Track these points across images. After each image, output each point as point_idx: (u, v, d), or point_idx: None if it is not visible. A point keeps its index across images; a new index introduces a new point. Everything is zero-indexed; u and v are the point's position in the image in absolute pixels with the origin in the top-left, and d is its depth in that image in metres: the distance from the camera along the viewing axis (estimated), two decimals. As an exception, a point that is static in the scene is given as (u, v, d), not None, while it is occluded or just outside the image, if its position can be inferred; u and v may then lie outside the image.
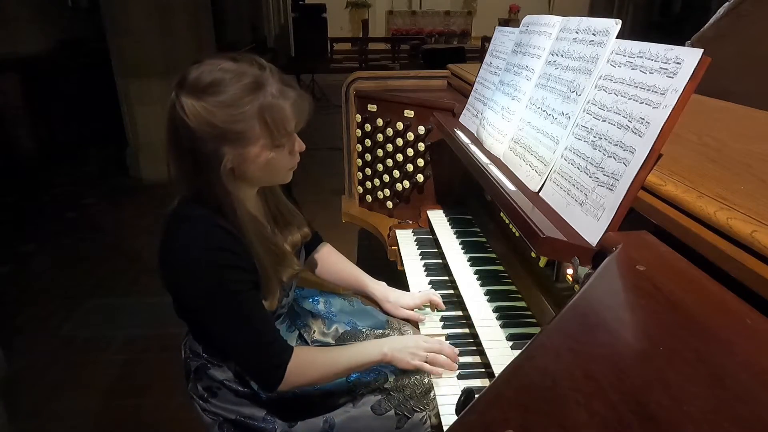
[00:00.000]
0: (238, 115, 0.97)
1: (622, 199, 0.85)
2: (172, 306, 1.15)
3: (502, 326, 1.25)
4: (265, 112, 0.99)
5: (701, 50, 0.78)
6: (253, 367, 1.11)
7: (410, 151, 1.94)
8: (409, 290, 1.54)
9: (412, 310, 1.42)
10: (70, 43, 5.57)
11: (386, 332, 1.42)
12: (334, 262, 1.50)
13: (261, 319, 1.08)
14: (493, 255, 1.58)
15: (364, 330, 1.44)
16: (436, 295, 1.42)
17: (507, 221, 1.44)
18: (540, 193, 1.10)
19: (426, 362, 1.18)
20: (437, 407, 1.16)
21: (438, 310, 1.42)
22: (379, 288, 1.45)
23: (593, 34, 1.09)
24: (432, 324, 1.38)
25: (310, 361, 1.15)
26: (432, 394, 1.23)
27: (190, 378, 1.23)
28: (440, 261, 1.66)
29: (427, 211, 1.90)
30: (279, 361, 1.08)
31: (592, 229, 0.90)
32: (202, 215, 1.03)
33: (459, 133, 1.57)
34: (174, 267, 1.05)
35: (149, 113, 4.60)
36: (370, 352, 1.18)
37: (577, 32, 1.16)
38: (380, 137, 2.02)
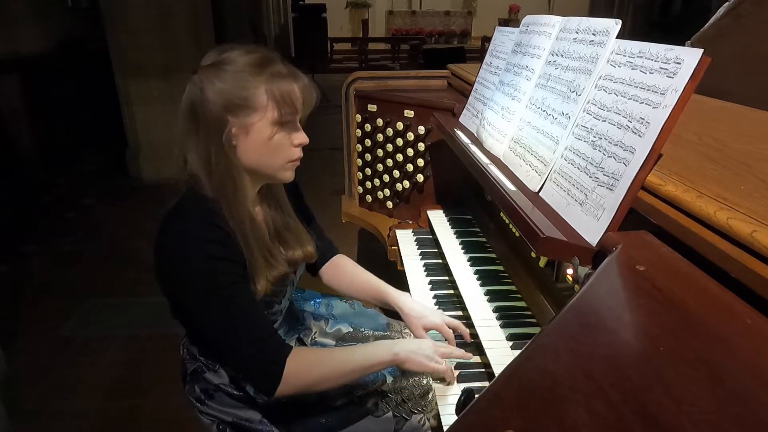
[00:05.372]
0: (246, 81, 1.01)
1: (622, 199, 0.85)
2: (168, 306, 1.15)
3: (502, 326, 1.25)
4: (273, 83, 1.02)
5: (701, 50, 0.78)
6: (249, 366, 1.05)
7: (410, 151, 1.94)
8: (409, 290, 1.54)
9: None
10: (70, 43, 5.56)
11: (387, 334, 1.42)
12: (353, 273, 1.42)
13: (255, 313, 1.05)
14: (493, 255, 1.58)
15: (365, 332, 1.43)
16: (462, 327, 1.29)
17: (507, 221, 1.44)
18: (540, 193, 1.10)
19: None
20: (436, 409, 1.16)
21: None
22: (402, 299, 1.33)
23: (593, 34, 1.09)
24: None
25: (314, 361, 1.10)
26: (430, 396, 1.23)
27: (187, 380, 1.22)
28: (440, 261, 1.66)
29: (427, 211, 1.90)
30: (275, 357, 1.03)
31: (592, 229, 0.90)
32: (196, 211, 1.03)
33: (459, 133, 1.57)
34: (166, 259, 1.05)
35: (149, 113, 4.60)
36: (381, 352, 1.12)
37: (577, 32, 1.16)
38: (380, 137, 2.02)
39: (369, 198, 2.17)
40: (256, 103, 1.02)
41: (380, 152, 2.04)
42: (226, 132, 1.02)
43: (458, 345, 1.26)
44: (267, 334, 1.06)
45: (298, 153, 1.10)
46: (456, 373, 1.19)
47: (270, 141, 1.05)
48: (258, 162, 1.08)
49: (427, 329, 1.28)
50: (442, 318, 1.29)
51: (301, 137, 1.10)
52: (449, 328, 1.28)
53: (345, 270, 1.43)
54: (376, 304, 1.42)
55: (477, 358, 1.25)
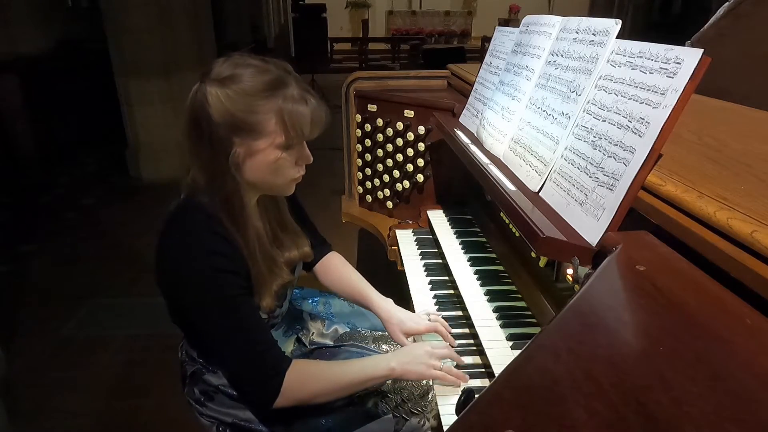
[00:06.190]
0: (256, 106, 0.98)
1: (622, 199, 0.85)
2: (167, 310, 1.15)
3: (502, 326, 1.25)
4: (284, 110, 0.99)
5: (701, 50, 0.78)
6: (248, 378, 1.06)
7: (410, 151, 1.94)
8: (409, 290, 1.54)
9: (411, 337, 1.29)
10: (70, 43, 5.56)
11: (386, 334, 1.42)
12: (340, 272, 1.43)
13: (256, 326, 1.05)
14: (493, 255, 1.58)
15: (363, 331, 1.43)
16: (442, 325, 1.28)
17: (507, 221, 1.44)
18: (540, 193, 1.10)
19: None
20: (436, 409, 1.16)
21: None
22: (384, 305, 1.32)
23: (593, 34, 1.09)
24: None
25: (311, 374, 1.10)
26: (430, 396, 1.23)
27: (187, 382, 1.23)
28: (440, 261, 1.66)
29: (427, 211, 1.90)
30: (275, 371, 1.04)
31: (592, 229, 0.89)
32: (199, 219, 1.02)
33: (459, 133, 1.57)
34: (168, 269, 1.05)
35: (149, 113, 4.60)
36: (377, 366, 1.12)
37: (577, 32, 1.16)
38: (380, 137, 2.02)
39: (369, 198, 2.17)
40: (264, 129, 0.99)
41: (380, 152, 2.04)
42: (232, 153, 1.00)
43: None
44: (267, 347, 1.06)
45: (301, 171, 1.10)
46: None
47: (275, 162, 1.03)
48: (261, 181, 1.07)
49: (407, 335, 1.27)
50: (425, 323, 1.28)
51: (306, 157, 1.09)
52: (427, 331, 1.26)
53: (335, 269, 1.44)
54: (360, 306, 1.41)
55: (477, 358, 1.25)
